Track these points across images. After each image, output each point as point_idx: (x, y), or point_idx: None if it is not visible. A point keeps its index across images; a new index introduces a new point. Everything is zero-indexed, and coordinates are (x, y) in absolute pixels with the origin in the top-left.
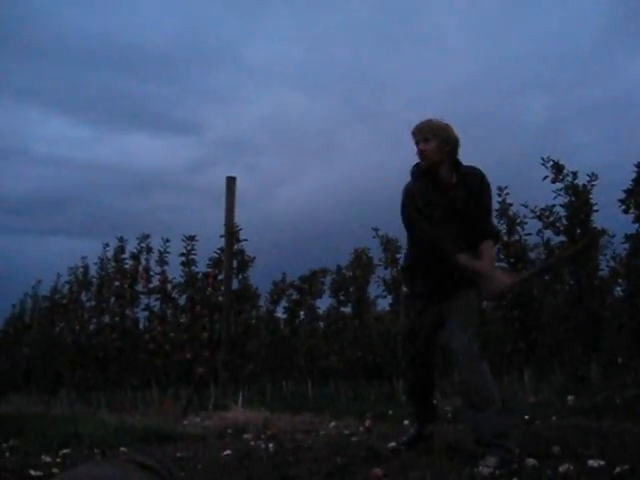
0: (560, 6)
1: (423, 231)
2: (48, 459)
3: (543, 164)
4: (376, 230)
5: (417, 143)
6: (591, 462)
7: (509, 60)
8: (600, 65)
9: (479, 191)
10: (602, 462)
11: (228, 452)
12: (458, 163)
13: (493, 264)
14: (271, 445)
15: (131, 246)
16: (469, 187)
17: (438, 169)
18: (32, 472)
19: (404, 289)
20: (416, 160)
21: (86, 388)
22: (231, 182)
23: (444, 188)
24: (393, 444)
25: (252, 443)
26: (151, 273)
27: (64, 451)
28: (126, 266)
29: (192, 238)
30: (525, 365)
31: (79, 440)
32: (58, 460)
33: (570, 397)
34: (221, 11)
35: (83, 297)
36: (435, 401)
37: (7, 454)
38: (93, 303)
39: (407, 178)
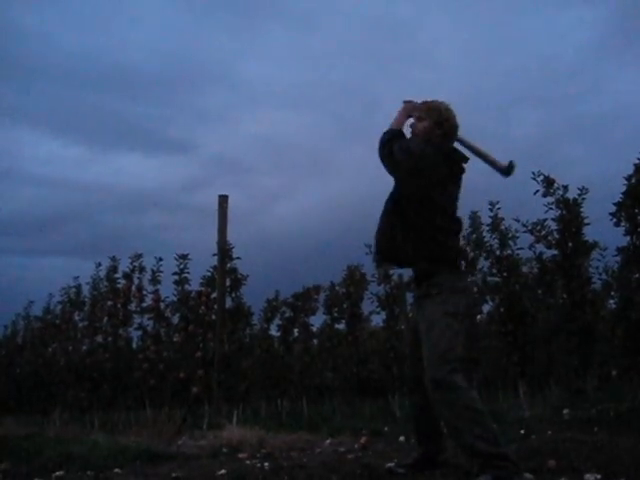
0: (549, 22)
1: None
2: None
3: (534, 178)
4: (369, 246)
5: (419, 119)
6: (588, 476)
7: (499, 76)
8: (589, 80)
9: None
10: (599, 476)
11: (223, 472)
12: (453, 150)
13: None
14: (266, 464)
15: (124, 265)
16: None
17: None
18: None
19: None
20: None
21: (79, 409)
22: (223, 200)
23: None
24: (391, 465)
25: (247, 462)
26: (144, 292)
27: (57, 473)
28: (119, 285)
29: (185, 257)
30: (520, 379)
31: (72, 462)
32: None
33: (565, 411)
34: (214, 31)
35: (76, 317)
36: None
37: (0, 477)
38: (86, 323)
39: None
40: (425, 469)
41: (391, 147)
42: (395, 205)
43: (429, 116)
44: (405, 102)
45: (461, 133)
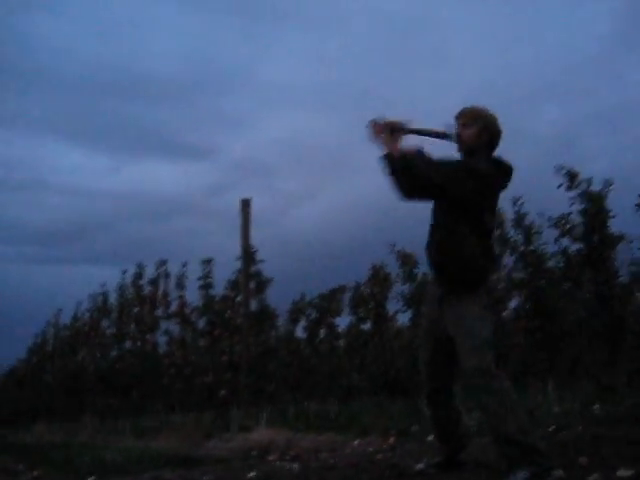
0: (567, 14)
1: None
2: None
3: (557, 172)
4: (393, 245)
5: (457, 127)
6: (620, 472)
7: (519, 70)
8: (611, 71)
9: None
10: (631, 471)
11: (253, 474)
12: (494, 154)
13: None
14: (295, 465)
15: (149, 272)
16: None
17: (472, 155)
18: None
19: None
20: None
21: (109, 414)
22: (245, 204)
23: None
24: (421, 466)
25: (276, 464)
26: (169, 298)
27: (90, 478)
28: (145, 292)
29: (209, 261)
30: (548, 375)
31: (104, 467)
32: None
33: (595, 406)
34: (233, 36)
35: (103, 324)
36: (461, 425)
37: None
38: (113, 330)
39: None
40: (454, 468)
41: (423, 176)
42: (447, 219)
43: (475, 122)
44: (373, 123)
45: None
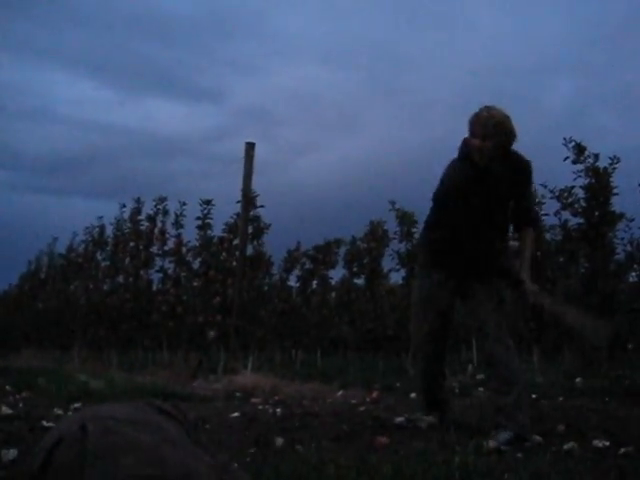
0: None
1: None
2: (60, 412)
3: (565, 144)
4: (393, 203)
5: (473, 135)
6: (596, 442)
7: (536, 42)
8: (628, 48)
9: (522, 179)
10: (607, 442)
11: (236, 414)
12: (510, 152)
13: (528, 261)
14: (278, 410)
15: (148, 208)
16: (514, 175)
17: (490, 164)
18: (45, 423)
19: (420, 256)
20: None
21: (98, 346)
22: (250, 148)
23: (489, 174)
24: (401, 419)
25: (260, 407)
26: (166, 235)
27: (75, 405)
28: (142, 227)
29: (208, 202)
30: (535, 345)
31: (89, 395)
32: (69, 413)
33: (578, 379)
34: None
35: (98, 257)
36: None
37: (20, 405)
38: (108, 263)
39: (424, 154)
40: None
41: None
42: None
43: (495, 134)
44: None
45: None
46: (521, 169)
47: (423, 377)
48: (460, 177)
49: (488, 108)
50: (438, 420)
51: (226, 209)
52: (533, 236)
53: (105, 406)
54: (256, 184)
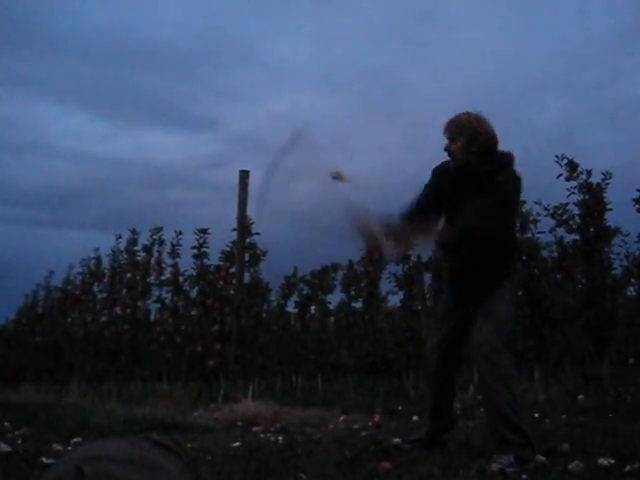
0: (578, 6)
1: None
2: (59, 447)
3: (557, 162)
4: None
5: (446, 141)
6: (601, 460)
7: (526, 60)
8: (616, 65)
9: (493, 188)
10: (612, 460)
11: (238, 444)
12: (499, 162)
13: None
14: (280, 438)
15: (144, 238)
16: (491, 193)
17: (468, 167)
18: (44, 460)
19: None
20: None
21: (97, 379)
22: (244, 175)
23: (470, 185)
24: (398, 440)
25: (261, 435)
26: (163, 265)
27: (75, 440)
28: (138, 258)
29: (204, 231)
30: (535, 363)
31: (89, 429)
32: (69, 448)
33: (580, 396)
34: (240, 9)
35: (95, 288)
36: (453, 407)
37: (19, 442)
38: (105, 295)
39: (419, 176)
40: (436, 446)
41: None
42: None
43: (460, 135)
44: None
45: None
46: (498, 182)
47: (428, 388)
48: (437, 176)
49: (460, 112)
50: (425, 437)
51: (222, 237)
52: (440, 234)
53: (102, 443)
54: (252, 210)
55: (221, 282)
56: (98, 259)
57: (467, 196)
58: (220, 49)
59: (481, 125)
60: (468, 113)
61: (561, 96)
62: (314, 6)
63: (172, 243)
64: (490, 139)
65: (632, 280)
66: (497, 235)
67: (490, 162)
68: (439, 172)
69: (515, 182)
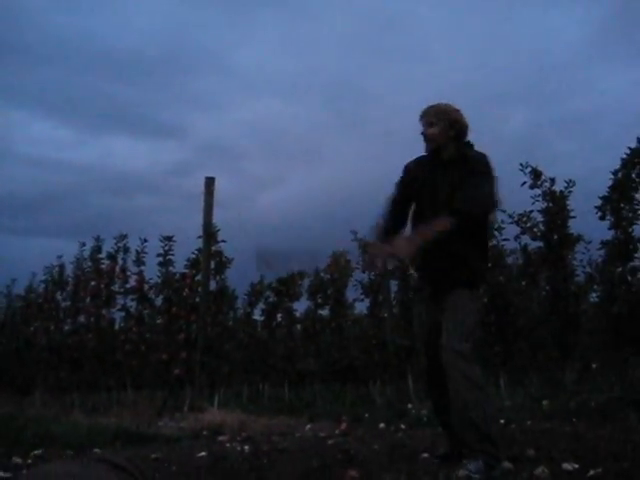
0: (538, 19)
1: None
2: (19, 460)
3: (522, 170)
4: (355, 233)
5: (423, 127)
6: (565, 465)
7: (489, 71)
8: (578, 76)
9: (467, 169)
10: (576, 465)
11: (203, 454)
12: (466, 146)
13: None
14: (247, 447)
15: (108, 246)
16: (467, 168)
17: (442, 151)
18: (2, 474)
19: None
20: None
21: (60, 389)
22: (210, 182)
23: (444, 168)
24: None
25: (227, 445)
26: (128, 273)
27: (36, 452)
28: (103, 266)
29: (169, 238)
30: (501, 369)
31: (51, 441)
32: (29, 461)
33: (545, 401)
34: (207, 16)
35: (58, 297)
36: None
37: None
38: (68, 303)
39: (385, 184)
40: (459, 459)
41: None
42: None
43: (439, 120)
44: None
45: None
46: (468, 161)
47: (428, 390)
48: (409, 170)
49: (436, 102)
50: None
51: (188, 245)
52: (445, 224)
53: (52, 465)
54: (219, 219)
55: (187, 290)
56: (61, 267)
57: (441, 181)
58: (187, 57)
59: (458, 114)
60: (445, 103)
61: (525, 106)
62: (281, 15)
63: (137, 251)
64: (464, 128)
65: (594, 286)
66: (496, 202)
67: (463, 147)
68: (412, 165)
69: (486, 156)
